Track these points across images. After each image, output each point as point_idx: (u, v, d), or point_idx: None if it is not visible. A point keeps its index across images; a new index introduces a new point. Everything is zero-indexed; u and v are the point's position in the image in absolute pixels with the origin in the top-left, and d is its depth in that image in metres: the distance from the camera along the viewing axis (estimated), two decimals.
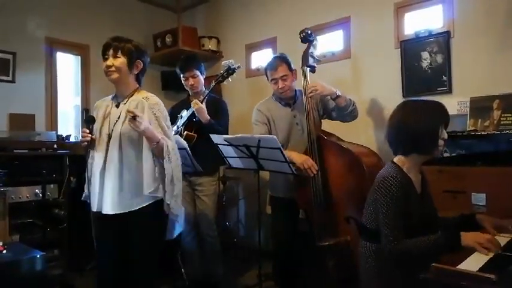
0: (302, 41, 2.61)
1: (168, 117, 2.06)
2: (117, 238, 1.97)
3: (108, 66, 1.93)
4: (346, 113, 2.53)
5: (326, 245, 2.30)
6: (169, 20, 4.52)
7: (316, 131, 2.44)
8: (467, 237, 1.45)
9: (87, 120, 2.01)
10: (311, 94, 2.45)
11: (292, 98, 2.67)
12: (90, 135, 1.95)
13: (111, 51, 1.94)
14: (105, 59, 1.96)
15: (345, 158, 2.33)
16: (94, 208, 1.96)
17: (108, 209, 1.92)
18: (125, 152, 1.93)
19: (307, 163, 2.34)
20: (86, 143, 1.94)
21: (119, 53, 1.93)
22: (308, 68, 2.54)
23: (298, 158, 2.38)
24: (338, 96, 2.47)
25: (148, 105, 1.96)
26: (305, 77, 2.53)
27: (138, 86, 2.07)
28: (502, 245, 1.44)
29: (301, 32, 2.61)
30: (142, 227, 1.94)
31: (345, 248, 2.23)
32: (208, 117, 2.71)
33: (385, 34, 3.17)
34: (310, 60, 2.56)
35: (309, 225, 2.57)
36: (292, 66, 2.62)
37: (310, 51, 2.57)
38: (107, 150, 1.94)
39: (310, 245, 2.49)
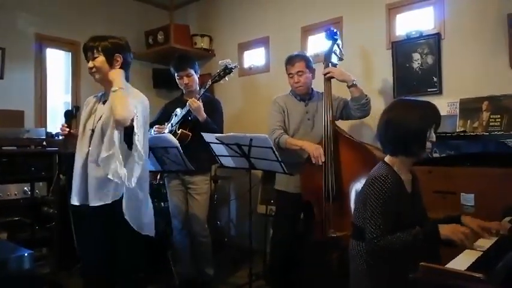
0: (326, 39, 2.68)
1: (147, 114, 2.05)
2: (100, 231, 1.99)
3: (90, 68, 2.00)
4: (359, 104, 2.57)
5: (333, 237, 2.33)
6: (162, 17, 4.49)
7: (332, 125, 2.50)
8: (445, 229, 1.48)
9: (66, 114, 2.06)
10: (328, 75, 2.53)
11: (307, 95, 2.74)
12: (67, 129, 2.00)
13: (89, 53, 2.00)
14: (88, 61, 2.02)
15: (360, 153, 2.40)
16: (74, 201, 1.99)
17: (96, 200, 1.94)
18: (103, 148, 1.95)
19: (317, 152, 2.41)
20: (63, 136, 2.00)
21: (96, 52, 1.98)
22: (330, 65, 2.61)
23: (309, 146, 2.47)
24: (354, 85, 2.55)
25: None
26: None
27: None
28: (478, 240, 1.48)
29: (326, 30, 2.69)
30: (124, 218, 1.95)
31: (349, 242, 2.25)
32: (205, 115, 2.71)
33: (377, 35, 3.19)
34: (334, 58, 2.64)
35: (306, 225, 2.59)
36: (311, 65, 2.70)
37: (333, 49, 2.64)
38: (89, 145, 1.98)
39: (306, 244, 2.51)
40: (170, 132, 2.79)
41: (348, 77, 2.55)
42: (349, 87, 2.57)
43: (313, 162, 2.42)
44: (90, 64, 1.99)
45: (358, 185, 2.35)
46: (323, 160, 2.40)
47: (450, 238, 1.45)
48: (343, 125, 2.79)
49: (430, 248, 1.53)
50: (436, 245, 1.50)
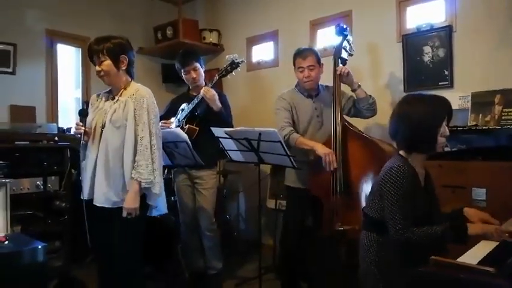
0: (336, 34, 2.66)
1: (157, 110, 2.10)
2: (104, 229, 2.04)
3: (98, 72, 2.04)
4: (367, 104, 2.59)
5: (341, 230, 2.33)
6: (170, 12, 4.49)
7: (341, 120, 2.49)
8: (476, 227, 1.48)
9: (80, 113, 2.10)
10: (340, 71, 2.51)
11: (315, 90, 2.71)
12: (83, 127, 2.04)
13: (95, 57, 2.02)
14: (94, 64, 2.05)
15: (369, 149, 2.39)
16: (84, 196, 2.05)
17: (100, 201, 2.00)
18: (113, 145, 2.00)
19: (329, 157, 2.37)
20: (79, 135, 2.04)
21: (101, 56, 2.00)
22: (340, 60, 2.59)
23: (322, 149, 2.42)
24: (359, 87, 2.56)
25: (136, 97, 2.04)
26: (336, 68, 2.59)
27: (130, 79, 2.13)
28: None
29: (336, 26, 2.67)
30: (125, 220, 1.98)
31: (357, 235, 2.25)
32: (220, 105, 2.71)
33: (387, 28, 3.16)
34: (344, 54, 2.62)
35: (314, 219, 2.58)
36: (320, 61, 2.68)
37: (343, 45, 2.62)
38: (99, 142, 2.02)
39: (314, 238, 2.52)
40: (177, 127, 2.81)
41: (354, 80, 2.56)
42: (354, 90, 2.57)
43: (324, 166, 2.38)
44: (98, 68, 2.03)
45: (367, 179, 2.34)
46: (335, 166, 2.37)
47: (480, 234, 1.45)
48: (353, 121, 2.77)
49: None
50: (463, 242, 1.49)
